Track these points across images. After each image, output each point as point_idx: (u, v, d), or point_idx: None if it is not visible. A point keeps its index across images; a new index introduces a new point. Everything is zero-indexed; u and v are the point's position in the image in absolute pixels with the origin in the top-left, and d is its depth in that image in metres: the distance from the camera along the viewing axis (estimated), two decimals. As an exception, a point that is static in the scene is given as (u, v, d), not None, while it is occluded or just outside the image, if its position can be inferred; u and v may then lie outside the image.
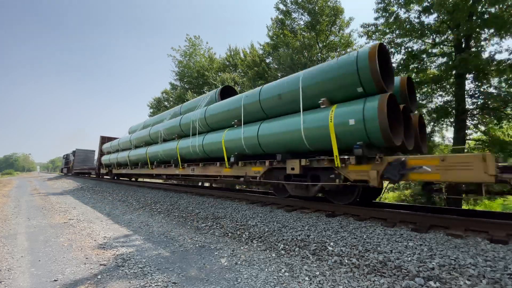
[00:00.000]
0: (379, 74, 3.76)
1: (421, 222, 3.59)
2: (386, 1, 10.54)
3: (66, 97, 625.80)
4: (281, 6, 17.53)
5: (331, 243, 3.28)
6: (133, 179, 15.94)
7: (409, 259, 2.65)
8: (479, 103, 9.71)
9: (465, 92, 9.75)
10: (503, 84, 9.03)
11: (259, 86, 6.43)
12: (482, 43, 9.20)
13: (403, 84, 4.81)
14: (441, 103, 10.98)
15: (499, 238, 2.84)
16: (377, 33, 11.12)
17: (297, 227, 4.02)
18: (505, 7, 8.01)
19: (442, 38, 10.38)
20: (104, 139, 18.01)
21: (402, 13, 10.34)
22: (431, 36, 10.41)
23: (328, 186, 4.48)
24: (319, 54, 15.41)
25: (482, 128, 10.78)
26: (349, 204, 4.55)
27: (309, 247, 3.33)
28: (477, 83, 9.70)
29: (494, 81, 9.36)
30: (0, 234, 4.54)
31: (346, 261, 2.87)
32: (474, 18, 8.56)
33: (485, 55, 8.87)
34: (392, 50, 10.69)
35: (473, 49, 8.89)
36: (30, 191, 12.74)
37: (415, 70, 10.86)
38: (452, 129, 10.73)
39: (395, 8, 10.43)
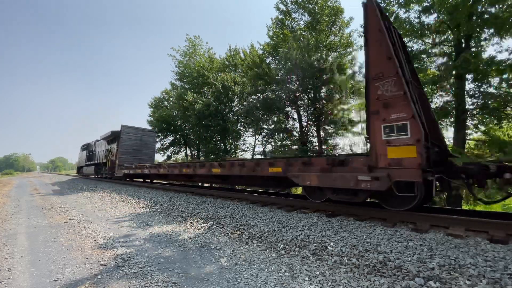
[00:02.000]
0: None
1: (421, 222, 3.59)
2: (386, 1, 10.54)
3: (66, 97, 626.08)
4: (281, 6, 17.56)
5: (331, 243, 3.28)
6: None
7: (409, 259, 2.64)
8: (479, 103, 9.71)
9: (465, 92, 9.75)
10: (503, 84, 9.03)
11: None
12: (482, 43, 9.20)
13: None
14: (441, 103, 10.99)
15: (499, 238, 2.84)
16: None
17: (297, 227, 4.02)
18: (505, 7, 8.02)
19: (442, 38, 10.39)
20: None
21: (402, 13, 10.36)
22: (431, 36, 10.42)
23: None
24: (319, 54, 15.41)
25: (482, 128, 10.78)
26: None
27: (309, 247, 3.33)
28: (477, 83, 9.70)
29: (494, 81, 9.36)
30: (0, 234, 4.54)
31: (346, 261, 2.87)
32: (474, 18, 8.56)
33: (485, 55, 8.87)
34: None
35: (473, 49, 8.90)
36: (30, 191, 12.74)
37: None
38: (452, 129, 10.73)
39: (395, 8, 10.44)
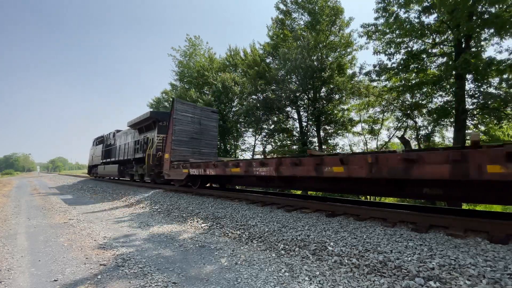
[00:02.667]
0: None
1: (421, 222, 3.58)
2: (386, 1, 10.53)
3: (66, 97, 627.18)
4: (281, 6, 17.57)
5: (331, 243, 3.28)
6: None
7: (409, 259, 2.64)
8: (479, 103, 9.70)
9: (465, 92, 9.74)
10: (503, 84, 9.02)
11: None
12: (482, 43, 9.19)
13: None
14: (441, 103, 10.99)
15: (499, 238, 2.84)
16: (377, 33, 11.12)
17: (297, 227, 4.02)
18: (505, 7, 8.01)
19: (442, 38, 10.38)
20: None
21: (402, 13, 10.35)
22: (431, 36, 10.41)
23: None
24: (319, 54, 15.41)
25: (482, 128, 10.78)
26: None
27: (309, 247, 3.33)
28: (477, 83, 9.69)
29: (494, 81, 9.35)
30: (0, 234, 4.54)
31: (346, 261, 2.87)
32: (474, 18, 8.55)
33: (485, 55, 8.86)
34: (392, 50, 10.70)
35: (473, 49, 8.88)
36: (30, 191, 12.73)
37: (415, 70, 10.86)
38: (452, 129, 10.73)
39: (395, 8, 10.43)
